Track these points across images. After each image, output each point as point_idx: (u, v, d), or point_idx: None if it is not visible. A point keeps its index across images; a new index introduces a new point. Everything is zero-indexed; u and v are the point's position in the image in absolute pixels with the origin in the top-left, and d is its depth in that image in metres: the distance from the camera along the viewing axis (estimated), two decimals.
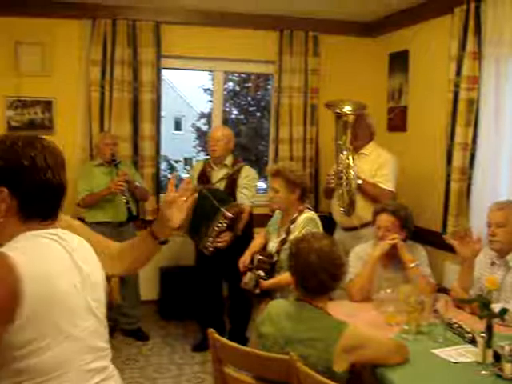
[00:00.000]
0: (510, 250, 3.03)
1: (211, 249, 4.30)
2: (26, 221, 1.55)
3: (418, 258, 3.40)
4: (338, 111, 4.37)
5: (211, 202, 4.28)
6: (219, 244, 4.28)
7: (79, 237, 1.72)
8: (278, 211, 3.72)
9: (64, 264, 1.57)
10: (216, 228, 4.23)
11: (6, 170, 1.52)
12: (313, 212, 3.56)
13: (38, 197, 1.56)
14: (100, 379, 1.61)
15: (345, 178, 4.29)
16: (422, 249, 3.52)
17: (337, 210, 4.44)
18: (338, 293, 3.02)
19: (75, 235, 1.69)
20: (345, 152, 4.32)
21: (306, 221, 3.42)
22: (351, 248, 4.09)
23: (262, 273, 3.43)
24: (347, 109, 4.34)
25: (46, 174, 1.56)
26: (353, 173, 4.27)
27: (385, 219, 3.42)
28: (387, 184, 4.37)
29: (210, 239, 4.26)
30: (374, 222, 3.52)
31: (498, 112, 4.12)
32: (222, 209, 4.21)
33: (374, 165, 4.41)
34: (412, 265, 3.31)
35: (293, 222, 3.46)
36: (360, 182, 4.30)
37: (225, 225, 4.24)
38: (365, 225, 4.37)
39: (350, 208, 4.31)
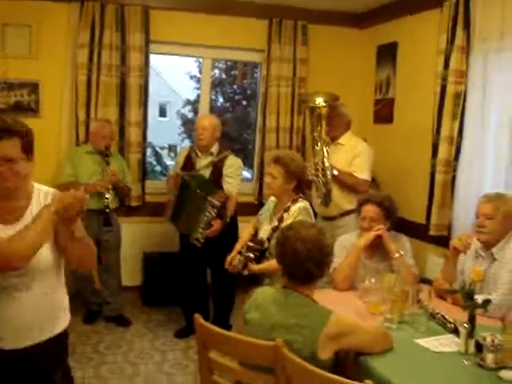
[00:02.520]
0: (495, 242, 3.06)
1: (202, 240, 4.29)
2: None
3: (401, 248, 3.43)
4: (311, 104, 4.41)
5: (196, 190, 4.29)
6: (210, 234, 4.28)
7: None
8: (270, 199, 3.72)
9: None
10: (205, 218, 4.23)
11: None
12: (306, 202, 3.56)
13: None
14: None
15: (320, 169, 4.33)
16: (405, 239, 3.55)
17: (315, 200, 4.48)
18: (322, 281, 3.03)
19: None
20: (319, 143, 4.36)
21: (299, 210, 3.43)
22: (331, 237, 4.14)
23: (251, 254, 3.43)
24: (319, 101, 4.36)
25: None
26: (327, 164, 4.32)
27: (370, 209, 3.45)
28: (363, 173, 4.42)
29: (201, 230, 4.26)
30: (359, 212, 3.54)
31: (484, 106, 4.17)
32: (209, 197, 4.21)
33: (350, 154, 4.46)
34: (396, 255, 3.34)
35: (286, 210, 3.46)
36: (335, 172, 4.35)
37: (214, 214, 4.24)
38: (343, 214, 4.43)
39: (327, 198, 4.37)
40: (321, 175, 4.34)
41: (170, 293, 5.27)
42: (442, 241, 4.34)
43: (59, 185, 4.68)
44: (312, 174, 4.37)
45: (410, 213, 4.83)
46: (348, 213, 4.38)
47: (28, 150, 2.11)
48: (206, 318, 4.48)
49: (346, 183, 4.38)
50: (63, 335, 2.34)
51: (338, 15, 5.69)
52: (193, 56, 6.28)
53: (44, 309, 2.21)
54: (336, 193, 4.39)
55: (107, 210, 4.64)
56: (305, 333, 2.28)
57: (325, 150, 4.35)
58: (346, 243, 3.53)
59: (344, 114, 4.55)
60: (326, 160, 4.32)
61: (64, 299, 2.36)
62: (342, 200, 4.40)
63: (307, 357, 2.20)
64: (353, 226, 4.08)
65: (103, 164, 4.67)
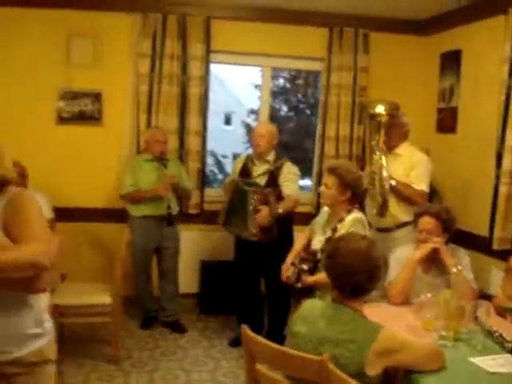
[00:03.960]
0: None
1: (255, 231, 4.27)
2: None
3: (460, 262, 3.31)
4: (371, 111, 4.32)
5: (241, 188, 4.29)
6: (259, 219, 4.26)
7: None
8: (324, 209, 3.68)
9: None
10: (250, 208, 4.22)
11: None
12: (361, 213, 3.51)
13: None
14: None
15: (378, 178, 4.23)
16: (464, 253, 3.43)
17: (370, 210, 4.38)
18: (375, 295, 2.96)
19: None
20: (378, 152, 4.26)
21: (353, 221, 3.37)
22: (386, 249, 4.04)
23: (305, 266, 3.40)
24: (379, 109, 4.27)
25: None
26: (385, 173, 4.20)
27: (427, 221, 3.35)
28: (420, 184, 4.29)
29: (250, 222, 4.25)
30: (416, 224, 3.44)
31: None
32: (248, 188, 4.21)
33: (408, 165, 4.33)
34: (454, 269, 3.22)
35: (340, 221, 3.41)
36: (393, 182, 4.23)
37: (256, 199, 4.23)
38: (399, 226, 4.31)
39: (383, 208, 4.24)
40: (378, 185, 4.25)
41: (226, 301, 5.29)
42: (506, 255, 4.16)
43: (123, 195, 4.80)
44: (368, 183, 4.29)
45: (472, 225, 4.68)
46: (404, 224, 4.27)
47: None
48: (261, 328, 4.53)
49: (403, 194, 4.27)
50: None
51: (400, 22, 5.58)
52: (252, 65, 6.28)
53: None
54: (392, 204, 4.28)
55: (169, 211, 4.72)
56: (352, 348, 2.22)
57: (383, 159, 4.26)
58: (402, 256, 3.43)
59: (403, 124, 4.45)
60: (384, 170, 4.23)
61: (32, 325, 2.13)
62: (399, 211, 4.29)
63: (354, 373, 2.14)
64: (409, 239, 3.96)
65: (161, 169, 4.73)
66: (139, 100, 5.25)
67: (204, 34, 5.28)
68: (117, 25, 5.20)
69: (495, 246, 4.36)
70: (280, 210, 4.36)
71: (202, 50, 5.29)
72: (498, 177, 4.36)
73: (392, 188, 4.24)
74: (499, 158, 4.34)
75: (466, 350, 2.57)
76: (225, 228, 4.65)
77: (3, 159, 2.09)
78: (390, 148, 4.34)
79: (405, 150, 4.42)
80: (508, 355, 2.50)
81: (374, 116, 4.30)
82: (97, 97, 5.25)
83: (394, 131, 4.35)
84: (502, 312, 2.99)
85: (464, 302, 2.84)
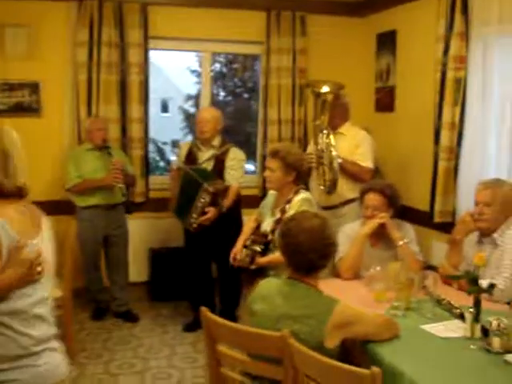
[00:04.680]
0: (496, 229, 3.07)
1: (195, 225, 4.31)
2: None
3: (406, 235, 3.44)
4: (316, 90, 4.39)
5: (194, 178, 4.30)
6: (203, 219, 4.29)
7: None
8: (270, 192, 3.74)
9: None
10: (199, 204, 4.24)
11: None
12: (308, 193, 3.58)
13: None
14: None
15: (326, 157, 4.30)
16: (409, 227, 3.56)
17: (316, 189, 4.46)
18: (325, 271, 3.04)
19: None
20: (325, 131, 4.33)
21: (301, 201, 3.44)
22: (333, 226, 4.14)
23: (257, 248, 3.45)
24: (325, 89, 4.35)
25: None
26: (334, 152, 4.29)
27: (372, 198, 3.46)
28: (366, 162, 4.41)
29: (194, 215, 4.28)
30: (362, 201, 3.55)
31: (485, 91, 4.18)
32: (205, 184, 4.22)
33: (352, 143, 4.45)
34: (401, 242, 3.35)
35: (288, 202, 3.47)
36: (340, 160, 4.31)
37: (208, 200, 4.25)
38: (345, 203, 4.43)
39: (332, 187, 4.34)
40: (327, 163, 4.31)
41: (177, 287, 5.30)
42: (447, 227, 4.32)
43: (69, 188, 4.73)
44: (314, 162, 4.37)
45: (413, 200, 4.84)
46: (350, 201, 4.38)
47: None
48: (213, 311, 4.55)
49: (350, 172, 4.38)
50: None
51: (336, 4, 5.67)
52: (192, 50, 6.27)
53: None
54: (339, 181, 4.38)
55: (124, 199, 4.71)
56: (311, 323, 2.29)
57: (331, 138, 4.32)
58: (350, 232, 3.54)
59: (346, 103, 4.56)
60: (332, 148, 4.29)
61: None
62: (345, 189, 4.39)
63: (314, 346, 2.21)
64: (354, 215, 4.08)
65: (105, 157, 4.69)
66: (78, 89, 5.15)
67: (141, 20, 5.23)
68: (52, 13, 5.08)
69: (436, 220, 4.52)
70: (224, 209, 4.41)
71: (140, 37, 5.24)
72: (436, 153, 4.52)
73: (339, 166, 4.33)
74: (437, 134, 4.49)
75: (417, 319, 2.69)
76: (176, 216, 4.65)
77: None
78: (333, 128, 4.41)
79: (348, 129, 4.52)
80: (457, 321, 2.62)
81: (319, 95, 4.36)
82: (34, 87, 5.13)
83: (338, 111, 4.44)
84: (447, 280, 3.12)
85: (412, 273, 2.96)
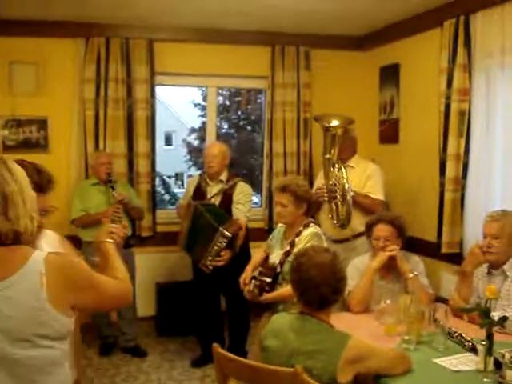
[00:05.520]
0: (505, 260, 3.07)
1: (211, 267, 4.31)
2: None
3: (415, 268, 3.43)
4: (326, 125, 4.42)
5: (208, 220, 4.30)
6: (219, 263, 4.30)
7: None
8: (280, 224, 3.74)
9: None
10: (216, 247, 4.24)
11: None
12: (317, 227, 3.58)
13: None
14: None
15: (339, 190, 4.31)
16: (418, 259, 3.56)
17: (327, 223, 4.46)
18: (336, 305, 3.04)
19: None
20: (336, 165, 4.35)
21: (311, 235, 3.44)
22: (344, 259, 4.15)
23: (267, 279, 3.44)
24: (335, 123, 4.38)
25: None
26: (347, 185, 4.29)
27: (382, 229, 3.47)
28: (377, 194, 4.43)
29: (210, 258, 4.27)
30: (370, 232, 3.55)
31: (489, 122, 4.21)
32: (221, 228, 4.23)
33: (363, 176, 4.46)
34: (411, 275, 3.35)
35: (298, 235, 3.48)
36: (352, 194, 4.31)
37: (224, 244, 4.25)
38: (356, 236, 4.42)
39: (346, 220, 4.32)
40: (339, 197, 4.32)
41: (184, 322, 5.27)
42: (455, 258, 4.35)
43: (72, 220, 4.75)
44: (326, 196, 4.37)
45: (420, 232, 4.83)
46: (361, 234, 4.38)
47: None
48: (222, 346, 4.52)
49: (362, 205, 4.37)
50: None
51: (339, 39, 5.75)
52: (198, 86, 6.37)
53: None
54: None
55: (128, 234, 4.67)
56: (324, 358, 2.28)
57: (343, 171, 4.33)
58: (360, 265, 3.54)
59: (354, 137, 4.59)
60: (345, 182, 4.29)
61: None
62: (356, 222, 4.36)
63: (327, 382, 2.20)
64: (366, 248, 4.08)
65: (109, 191, 4.71)
66: (85, 125, 5.21)
67: (148, 56, 5.31)
68: (60, 50, 5.17)
69: (444, 250, 4.52)
70: (237, 250, 4.42)
71: (147, 73, 5.32)
72: (442, 184, 4.54)
73: (352, 199, 4.31)
74: (442, 166, 4.52)
75: (429, 352, 2.68)
76: (186, 252, 4.66)
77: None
78: (342, 161, 4.41)
79: (357, 161, 4.54)
80: (469, 354, 2.61)
81: (328, 129, 4.39)
82: (42, 123, 5.20)
83: (347, 144, 4.46)
84: (458, 313, 3.11)
85: (422, 305, 2.96)
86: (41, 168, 2.19)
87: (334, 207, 4.37)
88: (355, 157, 4.57)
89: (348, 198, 4.28)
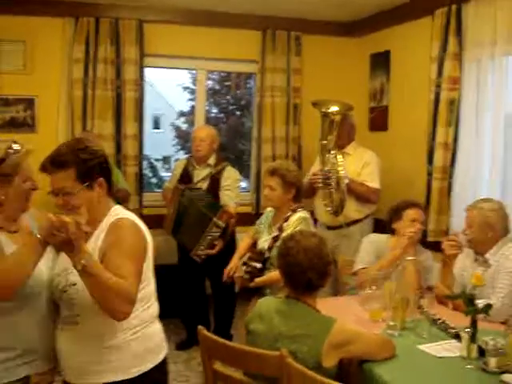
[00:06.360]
0: (486, 248, 3.12)
1: (203, 257, 4.31)
2: (108, 197, 2.16)
3: (424, 262, 3.51)
4: (324, 110, 4.37)
5: (200, 208, 4.30)
6: (212, 252, 4.29)
7: None
8: (268, 209, 3.74)
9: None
10: (209, 237, 4.25)
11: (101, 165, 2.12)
12: (305, 211, 3.58)
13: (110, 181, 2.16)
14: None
15: (333, 177, 4.29)
16: (430, 255, 3.64)
17: (321, 209, 4.46)
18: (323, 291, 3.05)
19: None
20: (332, 151, 4.31)
21: (299, 220, 3.44)
22: (336, 246, 4.17)
23: (257, 265, 3.44)
24: (334, 109, 4.35)
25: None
26: (342, 172, 4.27)
27: (415, 212, 3.54)
28: (373, 182, 4.42)
29: (202, 247, 4.28)
30: (399, 215, 3.55)
31: (478, 112, 4.22)
32: (215, 218, 4.22)
33: (359, 164, 4.45)
34: (411, 257, 3.36)
35: (286, 219, 3.48)
36: (347, 181, 4.30)
37: (217, 234, 4.25)
38: (350, 223, 4.42)
39: (339, 208, 4.31)
40: (334, 184, 4.29)
41: (169, 305, 5.24)
42: (438, 246, 4.35)
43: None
44: (320, 182, 4.35)
45: None
46: (355, 222, 4.38)
47: (86, 178, 2.06)
48: (207, 329, 4.53)
49: (357, 192, 4.37)
50: None
51: (330, 25, 5.73)
52: (187, 69, 6.32)
53: (88, 350, 2.07)
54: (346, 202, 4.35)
55: None
56: (309, 342, 2.29)
57: (339, 157, 4.31)
58: (377, 242, 3.59)
59: (352, 124, 4.58)
60: (340, 168, 4.28)
61: (125, 348, 2.09)
62: (350, 209, 4.37)
63: (312, 366, 2.21)
64: (359, 236, 4.09)
65: None
66: (73, 105, 5.15)
67: (137, 37, 5.25)
68: (48, 29, 5.09)
69: (430, 238, 4.52)
70: (228, 238, 4.45)
71: (136, 54, 5.26)
72: (430, 173, 4.55)
73: (347, 186, 4.31)
74: (431, 154, 4.53)
75: (413, 338, 2.70)
76: (173, 237, 4.65)
77: None
78: (339, 147, 4.39)
79: (354, 149, 4.54)
80: (453, 340, 2.63)
81: (327, 115, 4.35)
82: (29, 103, 5.13)
83: (345, 131, 4.44)
84: (443, 300, 3.13)
85: (407, 292, 2.97)
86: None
87: (328, 194, 4.35)
88: (352, 144, 4.56)
89: (342, 185, 4.27)
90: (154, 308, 2.24)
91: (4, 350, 2.12)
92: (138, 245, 2.10)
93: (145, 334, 2.15)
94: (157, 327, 2.26)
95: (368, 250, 3.48)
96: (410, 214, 3.53)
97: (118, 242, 2.03)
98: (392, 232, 3.59)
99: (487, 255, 3.11)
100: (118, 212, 2.16)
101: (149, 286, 2.20)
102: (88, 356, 2.06)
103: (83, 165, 2.05)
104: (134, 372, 2.10)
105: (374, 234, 3.74)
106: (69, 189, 2.02)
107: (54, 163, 2.05)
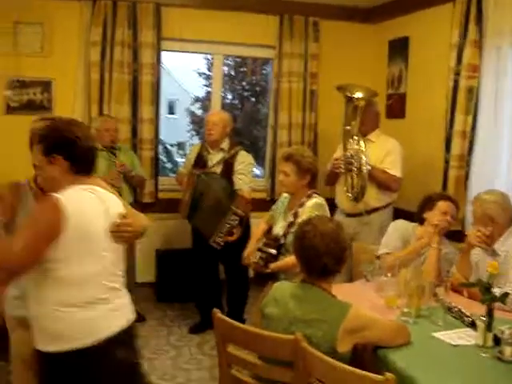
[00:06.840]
0: (491, 240, 3.14)
1: (222, 244, 4.31)
2: (74, 176, 2.18)
3: (449, 254, 3.47)
4: (349, 95, 4.31)
5: (216, 194, 4.30)
6: (231, 238, 4.31)
7: (112, 195, 2.30)
8: (283, 195, 3.73)
9: (96, 209, 2.16)
10: (227, 225, 4.25)
11: (62, 143, 2.17)
12: (321, 198, 3.56)
13: (83, 158, 2.21)
14: (111, 296, 2.29)
15: (355, 163, 4.25)
16: (455, 250, 3.58)
17: (342, 195, 4.42)
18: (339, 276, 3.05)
19: (109, 193, 2.29)
20: (355, 137, 4.26)
21: (314, 205, 3.43)
22: (356, 233, 4.16)
23: (273, 251, 3.44)
24: (359, 95, 4.29)
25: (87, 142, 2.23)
26: (364, 158, 4.22)
27: (448, 205, 3.50)
28: (395, 170, 4.36)
29: (221, 235, 4.28)
30: (430, 205, 3.52)
31: (497, 100, 4.18)
32: (233, 207, 4.23)
33: (382, 151, 4.38)
34: (435, 245, 3.34)
35: (301, 205, 3.47)
36: (369, 167, 4.24)
37: (236, 222, 4.25)
38: (369, 211, 4.39)
39: (360, 194, 4.27)
40: (355, 170, 4.26)
41: (183, 289, 5.30)
42: (456, 235, 4.32)
43: None
44: (345, 168, 4.30)
45: None
46: (375, 210, 4.35)
47: (47, 153, 2.17)
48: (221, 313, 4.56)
49: (379, 180, 4.32)
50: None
51: (349, 10, 5.69)
52: (204, 53, 6.30)
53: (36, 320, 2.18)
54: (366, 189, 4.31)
55: (131, 200, 4.65)
56: (324, 327, 2.29)
57: (362, 144, 4.26)
58: (403, 229, 3.57)
59: (377, 111, 4.53)
60: (363, 155, 4.23)
61: (52, 321, 2.11)
62: (370, 197, 4.33)
63: (326, 351, 2.21)
64: (379, 224, 4.07)
65: (110, 158, 4.66)
66: (90, 88, 5.17)
67: (154, 21, 5.24)
68: (66, 11, 5.09)
69: None
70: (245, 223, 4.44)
71: (153, 38, 5.26)
72: (447, 161, 4.52)
73: (368, 173, 4.26)
74: (448, 142, 4.50)
75: (428, 326, 2.69)
76: (189, 221, 4.66)
77: None
78: (362, 134, 4.34)
79: (377, 136, 4.48)
80: (467, 329, 2.62)
81: (351, 100, 4.30)
82: (47, 85, 5.15)
83: (369, 117, 4.39)
84: (458, 289, 3.11)
85: (423, 280, 2.96)
86: None
87: (350, 180, 4.31)
88: (376, 131, 4.50)
89: (364, 171, 4.23)
90: (87, 294, 2.15)
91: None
92: (43, 220, 2.06)
93: (64, 316, 2.11)
94: (88, 314, 2.16)
95: (394, 235, 3.47)
96: (443, 205, 3.49)
97: (31, 214, 2.26)
98: (420, 222, 3.56)
99: (495, 246, 3.11)
100: (67, 190, 2.15)
101: (69, 268, 2.07)
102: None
103: (46, 141, 2.19)
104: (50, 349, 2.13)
105: (403, 220, 3.70)
106: (37, 162, 2.21)
107: (33, 138, 2.27)
